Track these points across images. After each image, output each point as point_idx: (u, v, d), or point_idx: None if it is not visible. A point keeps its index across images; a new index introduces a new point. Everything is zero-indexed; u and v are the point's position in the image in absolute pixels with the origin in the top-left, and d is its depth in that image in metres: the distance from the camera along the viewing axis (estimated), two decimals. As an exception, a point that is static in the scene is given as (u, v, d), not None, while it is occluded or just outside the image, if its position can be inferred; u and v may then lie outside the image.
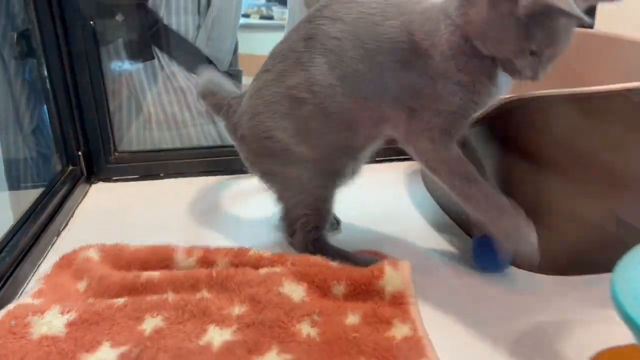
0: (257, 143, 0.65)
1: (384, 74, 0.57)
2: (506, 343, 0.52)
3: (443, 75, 0.54)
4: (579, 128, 0.57)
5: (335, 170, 0.64)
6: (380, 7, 0.57)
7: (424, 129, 0.57)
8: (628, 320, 0.33)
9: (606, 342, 0.49)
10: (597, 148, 0.58)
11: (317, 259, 0.62)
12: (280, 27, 2.72)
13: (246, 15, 2.86)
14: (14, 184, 1.05)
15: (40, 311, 0.52)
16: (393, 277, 0.57)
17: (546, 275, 0.63)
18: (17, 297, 0.60)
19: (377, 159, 0.96)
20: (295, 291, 0.57)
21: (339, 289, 0.57)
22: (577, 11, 0.46)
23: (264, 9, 2.99)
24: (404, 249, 0.70)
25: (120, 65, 0.96)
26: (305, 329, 0.52)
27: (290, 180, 0.65)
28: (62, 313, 0.52)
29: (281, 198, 0.67)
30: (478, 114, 0.57)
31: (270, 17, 2.93)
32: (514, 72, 0.54)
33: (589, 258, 0.60)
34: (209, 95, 0.71)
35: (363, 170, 0.70)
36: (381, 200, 0.84)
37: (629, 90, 0.53)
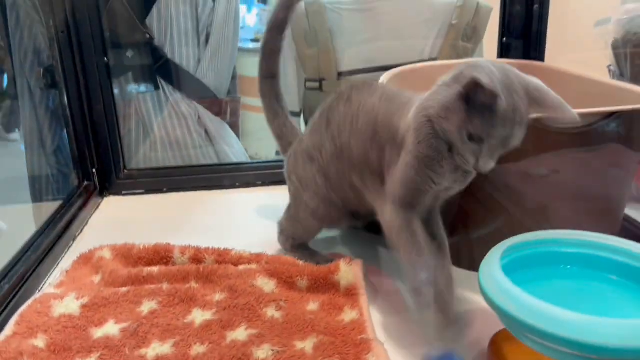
0: (286, 178, 0.79)
1: (368, 150, 0.65)
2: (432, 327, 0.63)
3: (405, 147, 0.58)
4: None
5: (327, 219, 0.76)
6: (379, 101, 0.65)
7: (389, 196, 0.61)
8: (488, 301, 0.45)
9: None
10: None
11: (288, 258, 0.75)
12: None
13: (256, 41, 3.01)
14: (37, 197, 1.19)
15: (60, 297, 0.66)
16: (347, 273, 0.69)
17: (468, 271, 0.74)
18: (39, 288, 0.73)
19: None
20: (267, 284, 0.69)
21: (303, 282, 0.70)
22: (498, 91, 0.49)
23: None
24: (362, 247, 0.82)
25: (130, 95, 1.10)
26: (271, 312, 0.64)
27: (294, 211, 0.78)
28: (77, 298, 0.65)
29: (286, 212, 0.79)
30: (446, 192, 0.61)
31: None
32: (459, 157, 0.55)
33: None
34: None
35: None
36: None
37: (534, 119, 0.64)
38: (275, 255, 0.76)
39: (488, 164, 0.53)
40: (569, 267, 0.48)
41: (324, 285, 0.69)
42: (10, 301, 0.67)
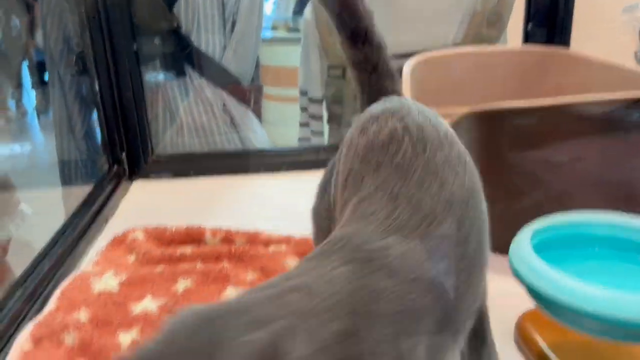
0: None
1: None
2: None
3: None
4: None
5: None
6: None
7: None
8: (520, 280, 0.46)
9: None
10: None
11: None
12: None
13: (273, 28, 3.01)
14: (66, 181, 1.22)
15: (98, 274, 0.68)
16: None
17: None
18: (75, 269, 0.76)
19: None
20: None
21: None
22: None
23: (290, 23, 3.13)
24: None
25: (157, 82, 1.13)
26: None
27: None
28: (115, 275, 0.68)
29: None
30: None
31: (297, 30, 3.08)
32: None
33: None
34: None
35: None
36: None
37: (562, 105, 0.65)
38: (303, 237, 0.78)
39: None
40: (598, 248, 0.49)
41: None
42: (51, 279, 0.70)
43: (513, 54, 1.09)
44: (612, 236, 0.48)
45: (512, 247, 0.46)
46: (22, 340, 0.58)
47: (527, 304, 0.60)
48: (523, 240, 0.46)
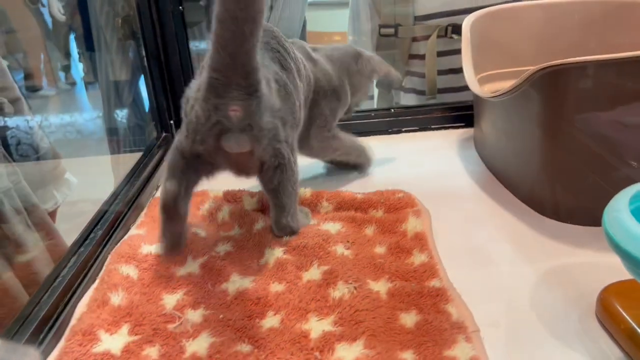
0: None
1: None
2: (529, 278, 0.60)
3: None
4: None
5: None
6: None
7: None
8: (617, 248, 0.41)
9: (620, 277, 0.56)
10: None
11: (346, 194, 0.75)
12: (343, 4, 2.78)
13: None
14: (115, 149, 1.22)
15: (149, 242, 0.67)
16: (415, 223, 0.68)
17: (580, 226, 0.70)
18: (128, 231, 0.75)
19: (431, 126, 1.05)
20: (333, 227, 0.69)
21: (370, 229, 0.69)
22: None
23: (332, -14, 3.05)
24: (447, 199, 0.79)
25: (205, 45, 1.09)
26: (340, 250, 0.64)
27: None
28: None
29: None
30: None
31: (340, -6, 2.99)
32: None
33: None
34: None
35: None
36: (432, 162, 0.92)
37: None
38: (334, 192, 0.77)
39: None
40: None
41: (390, 231, 0.68)
42: (105, 246, 0.69)
43: (580, 4, 1.00)
44: None
45: (608, 213, 0.41)
46: (82, 303, 0.58)
47: (609, 277, 0.55)
48: (620, 208, 0.41)
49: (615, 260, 0.43)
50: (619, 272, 0.53)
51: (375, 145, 0.91)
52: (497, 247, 0.67)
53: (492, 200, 0.78)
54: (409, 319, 0.53)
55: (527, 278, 0.61)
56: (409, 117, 1.06)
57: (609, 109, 0.65)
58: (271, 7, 1.11)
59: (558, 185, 0.71)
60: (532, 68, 0.65)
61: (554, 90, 0.67)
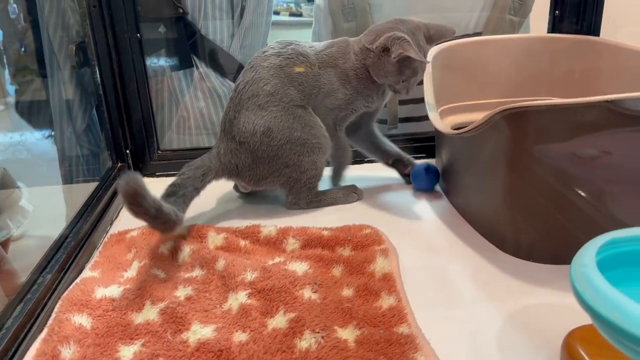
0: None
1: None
2: (493, 321, 0.60)
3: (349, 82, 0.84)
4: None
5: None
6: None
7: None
8: (581, 301, 0.41)
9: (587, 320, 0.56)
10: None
11: (313, 231, 0.75)
12: (308, 24, 2.80)
13: (276, 13, 2.94)
14: (67, 178, 1.17)
15: (103, 285, 0.64)
16: (383, 264, 0.67)
17: (542, 264, 0.70)
18: (81, 272, 0.71)
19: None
20: (300, 267, 0.67)
21: (338, 269, 0.68)
22: (422, 57, 0.80)
23: (293, 6, 3.06)
24: (410, 233, 0.78)
25: (162, 72, 1.07)
26: (307, 294, 0.62)
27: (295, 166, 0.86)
28: (118, 285, 0.64)
29: (288, 179, 0.85)
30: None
31: (300, 15, 3.01)
32: (395, 91, 0.85)
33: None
34: None
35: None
36: (394, 193, 0.92)
37: (607, 101, 0.60)
38: (302, 228, 0.77)
39: (411, 90, 0.85)
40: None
41: (358, 272, 0.67)
42: (54, 290, 0.65)
43: (539, 41, 1.03)
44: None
45: (575, 268, 0.41)
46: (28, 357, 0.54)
47: (573, 319, 0.55)
48: (587, 262, 0.41)
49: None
50: (583, 315, 0.54)
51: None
52: (462, 286, 0.67)
53: (455, 235, 0.78)
54: (377, 370, 0.52)
55: (492, 320, 0.60)
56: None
57: (564, 146, 0.66)
58: (232, 36, 1.10)
59: (518, 222, 0.72)
60: (493, 110, 0.65)
61: (514, 130, 0.67)
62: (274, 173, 0.83)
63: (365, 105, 0.87)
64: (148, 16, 1.02)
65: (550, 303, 0.63)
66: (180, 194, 0.76)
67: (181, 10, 1.03)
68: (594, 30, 1.01)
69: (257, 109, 0.80)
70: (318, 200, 0.87)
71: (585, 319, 0.55)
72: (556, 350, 0.54)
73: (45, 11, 1.06)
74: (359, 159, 1.02)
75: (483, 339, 0.58)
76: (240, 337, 0.56)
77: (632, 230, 0.46)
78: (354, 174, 0.97)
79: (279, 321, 0.58)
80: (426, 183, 0.92)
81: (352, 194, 0.89)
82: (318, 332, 0.55)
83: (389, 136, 1.08)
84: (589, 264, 0.41)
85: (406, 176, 0.95)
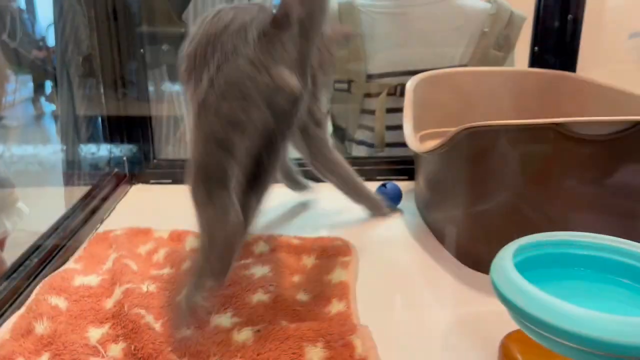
0: None
1: None
2: (438, 327, 0.63)
3: None
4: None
5: None
6: None
7: None
8: (502, 299, 0.45)
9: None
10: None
11: (284, 238, 0.79)
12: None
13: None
14: (69, 181, 1.23)
15: (84, 274, 0.69)
16: (340, 273, 0.71)
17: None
18: (63, 265, 0.76)
19: (377, 177, 1.09)
20: (260, 270, 0.71)
21: (297, 277, 0.71)
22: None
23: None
24: (379, 246, 0.82)
25: (163, 87, 1.13)
26: (257, 297, 0.65)
27: None
28: (97, 275, 0.68)
29: None
30: None
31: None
32: None
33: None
34: None
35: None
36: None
37: (556, 124, 0.64)
38: (275, 235, 0.81)
39: None
40: (581, 269, 0.48)
41: (316, 280, 0.70)
42: (38, 274, 0.70)
43: (518, 75, 1.08)
44: (596, 257, 0.47)
45: (494, 263, 0.45)
46: (3, 331, 0.58)
47: (511, 324, 0.59)
48: (505, 258, 0.45)
49: None
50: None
51: (326, 192, 0.95)
52: (414, 292, 0.71)
53: (422, 250, 0.82)
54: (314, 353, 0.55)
55: (438, 323, 0.64)
56: (357, 168, 1.10)
57: (516, 166, 0.71)
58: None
59: (479, 237, 0.76)
60: (454, 129, 0.70)
61: (474, 149, 0.72)
62: None
63: None
64: (152, 34, 1.10)
65: (497, 310, 0.66)
66: None
67: (184, 30, 1.10)
68: (571, 66, 1.06)
69: None
70: None
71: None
72: (495, 351, 0.58)
73: (59, 28, 1.14)
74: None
75: (430, 338, 0.61)
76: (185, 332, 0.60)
77: (553, 234, 0.50)
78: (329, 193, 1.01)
79: (224, 320, 0.61)
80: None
81: None
82: (257, 326, 0.59)
83: (375, 158, 1.13)
84: (505, 258, 0.45)
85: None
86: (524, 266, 0.46)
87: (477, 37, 1.16)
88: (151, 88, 1.11)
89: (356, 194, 0.89)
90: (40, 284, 0.67)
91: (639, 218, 0.73)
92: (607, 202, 0.68)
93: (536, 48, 1.08)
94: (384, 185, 0.96)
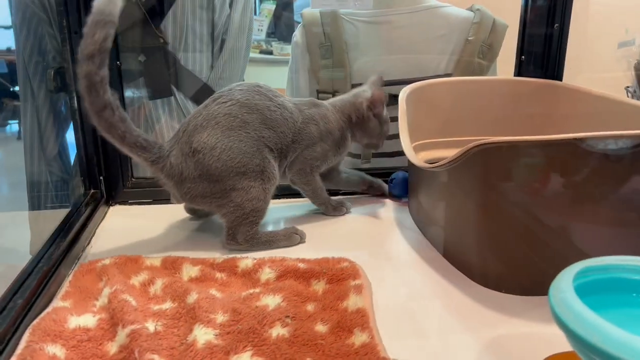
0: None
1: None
2: (468, 351, 0.61)
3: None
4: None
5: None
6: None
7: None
8: (561, 325, 0.43)
9: (559, 349, 0.58)
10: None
11: (290, 262, 0.76)
12: (279, 62, 2.85)
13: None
14: (35, 204, 1.14)
15: (77, 314, 0.62)
16: (356, 300, 0.67)
17: (513, 295, 0.72)
18: (50, 302, 0.69)
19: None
20: (273, 301, 0.67)
21: (311, 305, 0.67)
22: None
23: (263, 44, 3.12)
24: (385, 265, 0.79)
25: (140, 100, 1.07)
26: (276, 331, 0.61)
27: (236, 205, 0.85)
28: (93, 315, 0.62)
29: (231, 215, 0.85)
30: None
31: (270, 52, 3.06)
32: (375, 147, 0.99)
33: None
34: None
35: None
36: (370, 225, 0.94)
37: (577, 139, 0.63)
38: (280, 258, 0.78)
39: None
40: (638, 295, 0.46)
41: (332, 309, 0.67)
42: (24, 317, 0.63)
43: (506, 84, 1.08)
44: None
45: (554, 295, 0.43)
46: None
47: (547, 348, 0.57)
48: (565, 284, 0.43)
49: (550, 331, 0.44)
50: (556, 343, 0.56)
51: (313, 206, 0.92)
52: (436, 317, 0.68)
53: (429, 267, 0.80)
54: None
55: (467, 350, 0.61)
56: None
57: (529, 181, 0.69)
58: (211, 67, 1.11)
59: (488, 255, 0.74)
60: (468, 145, 0.68)
61: (487, 164, 0.70)
62: (216, 194, 0.81)
63: (336, 157, 0.95)
64: (128, 44, 1.03)
65: (523, 333, 0.65)
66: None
67: (162, 40, 1.04)
68: (557, 74, 1.07)
69: (226, 129, 0.80)
70: (257, 239, 0.84)
71: (558, 348, 0.57)
72: (531, 378, 0.56)
73: (21, 37, 1.05)
74: (332, 190, 1.04)
75: (460, 367, 0.59)
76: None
77: (603, 259, 0.48)
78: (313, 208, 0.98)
79: (244, 358, 0.57)
80: (403, 189, 1.02)
81: (294, 235, 0.86)
82: None
83: (363, 170, 1.11)
84: (567, 290, 0.43)
85: (380, 196, 1.05)
86: (581, 292, 0.44)
87: (462, 45, 1.16)
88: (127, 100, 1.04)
89: (359, 184, 1.03)
90: (30, 329, 0.60)
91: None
92: (626, 216, 0.68)
93: (522, 57, 1.08)
94: (392, 179, 1.04)
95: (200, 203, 0.83)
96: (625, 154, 0.64)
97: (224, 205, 0.82)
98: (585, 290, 0.47)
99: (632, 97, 1.05)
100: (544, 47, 1.06)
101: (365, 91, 0.95)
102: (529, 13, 1.05)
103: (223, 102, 0.81)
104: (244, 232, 0.82)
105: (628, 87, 1.05)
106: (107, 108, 0.74)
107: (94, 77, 0.72)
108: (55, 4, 0.94)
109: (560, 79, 1.06)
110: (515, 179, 0.70)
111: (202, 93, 1.10)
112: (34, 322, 0.61)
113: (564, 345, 0.44)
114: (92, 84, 0.72)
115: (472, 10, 1.17)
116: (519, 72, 1.10)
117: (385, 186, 1.04)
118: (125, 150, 0.78)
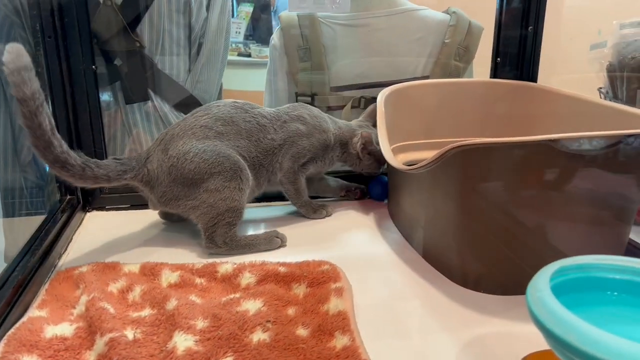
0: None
1: None
2: (447, 351, 0.61)
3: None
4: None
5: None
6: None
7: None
8: (538, 324, 0.43)
9: (537, 347, 0.59)
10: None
11: (270, 267, 0.75)
12: (257, 64, 2.84)
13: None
14: (9, 211, 1.11)
15: (53, 323, 0.61)
16: (336, 302, 0.67)
17: (492, 295, 0.73)
18: (26, 311, 0.68)
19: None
20: (253, 305, 0.66)
21: (292, 309, 0.67)
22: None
23: (242, 47, 3.11)
24: (365, 267, 0.80)
25: (117, 105, 1.05)
26: (257, 336, 0.61)
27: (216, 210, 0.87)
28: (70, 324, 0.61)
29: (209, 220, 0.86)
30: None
31: (248, 55, 3.05)
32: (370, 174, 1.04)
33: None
34: None
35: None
36: (350, 228, 0.94)
37: (552, 140, 0.64)
38: (260, 263, 0.78)
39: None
40: (614, 293, 0.47)
41: (312, 312, 0.67)
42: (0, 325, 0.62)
43: (483, 85, 1.10)
44: (628, 281, 0.47)
45: (531, 293, 0.44)
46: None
47: (525, 347, 0.58)
48: (541, 283, 0.44)
49: (528, 330, 0.44)
50: (535, 342, 0.57)
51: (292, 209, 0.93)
52: (416, 317, 0.69)
53: (408, 268, 0.80)
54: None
55: (447, 349, 0.62)
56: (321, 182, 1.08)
57: (507, 181, 0.70)
58: (188, 71, 1.10)
59: (467, 254, 0.75)
60: (446, 147, 0.69)
61: (464, 165, 0.71)
62: (189, 196, 0.82)
63: (322, 162, 0.98)
64: (104, 48, 1.02)
65: (502, 332, 0.65)
66: (92, 167, 0.77)
67: (138, 44, 1.03)
68: (532, 76, 1.08)
69: (202, 138, 0.83)
70: (237, 242, 0.83)
71: (536, 347, 0.58)
72: (510, 377, 0.57)
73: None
74: (312, 196, 1.04)
75: (441, 368, 0.59)
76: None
77: (580, 259, 0.49)
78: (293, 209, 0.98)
79: None
80: (382, 192, 1.05)
81: (275, 239, 0.86)
82: None
83: (338, 173, 1.11)
84: (544, 289, 0.43)
85: (359, 198, 1.06)
86: (558, 291, 0.45)
87: (438, 48, 1.17)
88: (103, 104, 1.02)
89: (334, 188, 1.06)
90: (5, 339, 0.59)
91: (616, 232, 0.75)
92: (601, 215, 0.69)
93: (498, 59, 1.10)
94: (371, 182, 1.06)
95: (175, 207, 0.84)
96: (599, 154, 0.66)
97: (197, 207, 0.83)
98: (562, 289, 0.47)
99: (605, 98, 1.07)
100: (518, 49, 1.08)
101: (362, 127, 1.02)
102: (503, 15, 1.07)
103: (200, 116, 0.85)
104: (222, 234, 0.82)
105: (600, 88, 1.07)
106: (86, 168, 0.77)
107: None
108: (28, 7, 0.93)
109: (535, 80, 1.08)
110: (492, 180, 0.71)
111: (179, 96, 1.10)
112: (9, 332, 0.60)
113: (542, 343, 0.45)
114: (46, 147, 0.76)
115: (448, 13, 1.18)
116: (494, 73, 1.12)
117: (364, 188, 1.05)
118: (114, 184, 0.82)
